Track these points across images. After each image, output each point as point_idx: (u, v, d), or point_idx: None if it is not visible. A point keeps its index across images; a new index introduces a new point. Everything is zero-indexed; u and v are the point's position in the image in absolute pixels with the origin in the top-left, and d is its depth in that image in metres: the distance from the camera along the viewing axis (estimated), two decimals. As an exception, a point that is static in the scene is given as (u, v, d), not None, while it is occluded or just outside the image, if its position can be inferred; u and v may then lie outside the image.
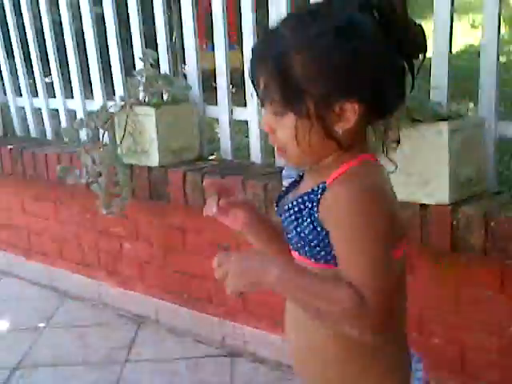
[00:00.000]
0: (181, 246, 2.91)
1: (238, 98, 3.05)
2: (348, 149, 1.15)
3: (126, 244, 3.16)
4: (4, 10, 3.72)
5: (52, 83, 3.66)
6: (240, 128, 3.27)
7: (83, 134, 3.16)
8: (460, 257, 2.04)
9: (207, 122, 3.16)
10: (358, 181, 1.12)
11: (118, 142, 2.85)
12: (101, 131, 2.89)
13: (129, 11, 3.10)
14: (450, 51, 2.21)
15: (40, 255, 3.65)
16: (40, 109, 3.76)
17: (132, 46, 3.15)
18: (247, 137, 2.93)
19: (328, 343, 1.17)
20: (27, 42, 3.70)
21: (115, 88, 3.29)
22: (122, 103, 2.86)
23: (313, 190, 1.14)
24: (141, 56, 2.94)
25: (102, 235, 3.27)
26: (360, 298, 1.02)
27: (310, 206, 1.14)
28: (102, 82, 3.36)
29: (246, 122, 2.87)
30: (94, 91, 3.40)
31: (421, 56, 1.17)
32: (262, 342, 2.70)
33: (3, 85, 3.95)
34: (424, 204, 2.01)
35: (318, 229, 1.13)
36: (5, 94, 3.95)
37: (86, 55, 3.40)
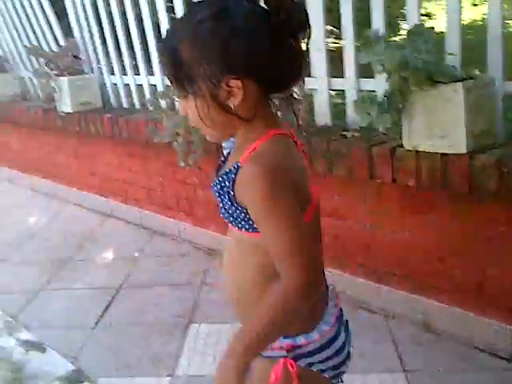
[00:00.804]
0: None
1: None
2: (254, 122, 1.07)
3: (200, 191, 3.18)
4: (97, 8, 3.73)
5: (137, 64, 3.65)
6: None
7: (163, 103, 3.15)
8: (476, 198, 1.97)
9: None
10: (262, 162, 1.02)
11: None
12: (177, 101, 2.89)
13: None
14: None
15: (133, 201, 3.72)
16: (128, 84, 3.78)
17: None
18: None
19: (256, 279, 1.10)
20: (116, 32, 3.70)
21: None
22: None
23: (230, 170, 1.06)
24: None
25: (180, 184, 3.30)
26: (290, 287, 0.97)
27: (227, 184, 1.05)
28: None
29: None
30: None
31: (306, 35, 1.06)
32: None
33: (100, 67, 3.98)
34: (445, 153, 1.95)
35: (236, 205, 1.05)
36: (102, 74, 3.97)
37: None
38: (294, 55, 1.07)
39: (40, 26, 4.35)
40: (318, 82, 2.59)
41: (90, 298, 2.79)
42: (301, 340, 1.11)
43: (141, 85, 3.66)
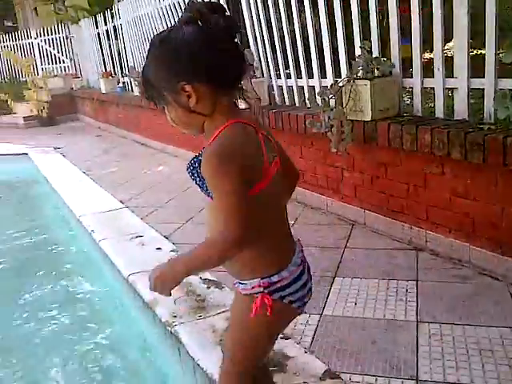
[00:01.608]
0: (383, 175, 2.91)
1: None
2: (215, 116, 1.15)
3: (346, 173, 3.22)
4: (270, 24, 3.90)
5: (296, 69, 3.78)
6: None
7: (319, 101, 3.25)
8: None
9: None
10: (213, 147, 1.11)
11: (344, 105, 2.90)
12: (331, 99, 2.97)
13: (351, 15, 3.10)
14: None
15: None
16: (291, 86, 3.91)
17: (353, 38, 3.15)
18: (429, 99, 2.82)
19: None
20: (283, 44, 3.84)
21: (341, 69, 3.32)
22: (347, 79, 2.90)
23: (199, 154, 1.17)
24: (360, 45, 2.95)
25: (329, 167, 3.36)
26: (215, 237, 1.12)
27: (197, 166, 1.16)
28: (332, 65, 3.41)
29: (432, 88, 2.76)
30: (326, 72, 3.47)
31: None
32: (439, 242, 2.64)
33: (269, 71, 4.16)
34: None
35: (203, 180, 1.15)
36: (270, 78, 4.15)
37: (322, 47, 3.46)
38: (230, 56, 1.13)
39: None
40: (459, 82, 2.55)
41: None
42: (275, 278, 1.22)
43: (301, 86, 3.78)
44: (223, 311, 2.25)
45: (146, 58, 1.19)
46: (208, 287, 2.50)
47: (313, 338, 2.03)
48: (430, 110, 2.91)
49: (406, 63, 2.97)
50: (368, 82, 2.77)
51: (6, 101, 10.06)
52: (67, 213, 4.12)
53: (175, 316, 2.24)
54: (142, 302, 2.45)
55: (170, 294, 1.22)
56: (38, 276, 3.35)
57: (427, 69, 2.85)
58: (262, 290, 1.22)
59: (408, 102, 3.33)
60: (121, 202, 4.15)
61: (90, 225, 3.53)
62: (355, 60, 2.89)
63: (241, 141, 1.14)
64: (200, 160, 1.14)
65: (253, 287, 1.23)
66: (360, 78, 2.84)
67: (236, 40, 1.15)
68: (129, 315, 2.65)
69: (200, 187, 1.19)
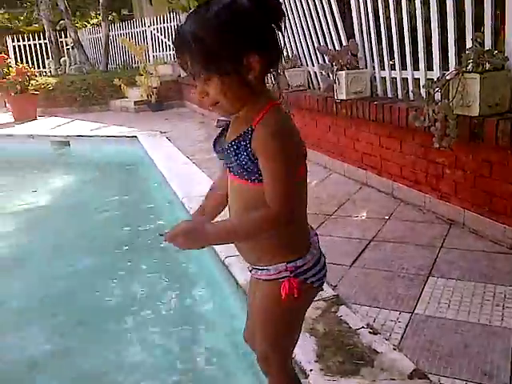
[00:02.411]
0: (488, 174, 2.77)
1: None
2: (259, 96, 1.17)
3: (447, 170, 3.11)
4: (377, 15, 3.83)
5: (400, 60, 3.68)
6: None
7: (423, 94, 3.15)
8: None
9: None
10: (272, 126, 1.13)
11: (451, 99, 2.81)
12: (437, 92, 2.88)
13: (465, 5, 2.96)
14: None
15: (387, 174, 3.75)
16: (395, 78, 3.83)
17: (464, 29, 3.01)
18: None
19: None
20: (389, 34, 3.76)
21: (449, 62, 3.19)
22: (456, 72, 2.80)
23: (245, 132, 1.16)
24: (471, 37, 2.82)
25: (430, 163, 3.26)
26: (273, 213, 1.14)
27: (244, 143, 1.16)
28: (440, 58, 3.29)
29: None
30: (433, 65, 3.35)
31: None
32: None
33: (372, 62, 4.10)
34: None
35: (252, 158, 1.15)
36: (373, 69, 4.09)
37: (430, 39, 3.35)
38: (276, 36, 1.15)
39: (328, 28, 4.63)
40: None
41: (348, 244, 2.94)
42: (300, 262, 1.27)
43: (405, 78, 3.69)
44: (315, 300, 2.21)
45: (202, 18, 1.12)
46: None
47: (402, 336, 2.02)
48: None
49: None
50: (478, 76, 2.65)
51: (120, 86, 10.75)
52: (171, 194, 4.36)
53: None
54: (236, 284, 2.58)
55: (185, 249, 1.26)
56: (141, 247, 3.65)
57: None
58: (288, 274, 1.27)
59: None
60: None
61: (191, 207, 3.72)
62: (465, 52, 2.77)
63: (291, 124, 1.20)
64: (249, 137, 1.15)
65: (279, 272, 1.28)
66: (469, 72, 2.72)
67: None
68: (222, 295, 2.80)
69: (242, 167, 1.18)
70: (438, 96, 2.91)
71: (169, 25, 12.45)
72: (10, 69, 11.33)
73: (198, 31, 1.10)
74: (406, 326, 2.09)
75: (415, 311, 2.20)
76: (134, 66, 13.42)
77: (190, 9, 10.91)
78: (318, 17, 4.73)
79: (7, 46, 14.97)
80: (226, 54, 1.10)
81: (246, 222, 1.20)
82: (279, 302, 1.29)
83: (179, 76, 10.94)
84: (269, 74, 1.21)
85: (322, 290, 1.40)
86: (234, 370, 2.23)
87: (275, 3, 1.14)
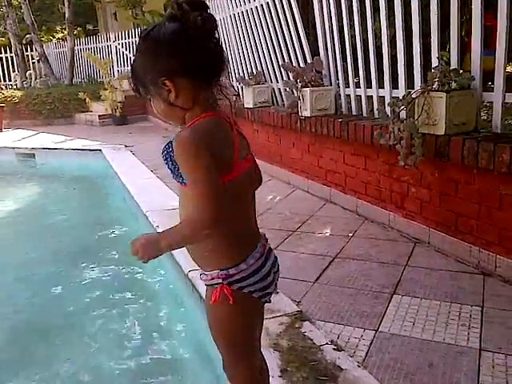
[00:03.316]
0: (453, 193, 2.74)
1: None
2: (194, 109, 1.21)
3: (412, 188, 3.07)
4: (341, 33, 3.83)
5: (365, 78, 3.67)
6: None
7: (388, 112, 3.13)
8: None
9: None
10: (185, 131, 1.17)
11: (416, 117, 2.78)
12: (402, 110, 2.85)
13: (431, 25, 2.96)
14: None
15: (351, 191, 3.72)
16: (360, 95, 3.81)
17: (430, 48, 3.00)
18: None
19: None
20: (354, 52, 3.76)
21: (414, 80, 3.18)
22: (421, 90, 2.77)
23: (171, 141, 1.19)
24: (437, 56, 2.81)
25: (395, 181, 3.22)
26: (190, 216, 1.17)
27: (169, 151, 1.19)
28: (406, 76, 3.28)
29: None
30: (398, 83, 3.34)
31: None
32: (511, 268, 2.44)
33: (337, 79, 4.08)
34: None
35: (175, 164, 1.18)
36: (338, 86, 4.07)
37: (395, 58, 3.34)
38: (208, 53, 1.18)
39: (293, 45, 4.61)
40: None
41: (312, 260, 2.86)
42: (232, 271, 1.28)
43: (370, 96, 3.68)
44: (278, 316, 2.22)
45: (135, 51, 1.26)
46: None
47: (367, 353, 1.95)
48: (509, 126, 2.73)
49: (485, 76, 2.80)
50: (444, 95, 2.63)
51: (85, 99, 10.55)
52: (135, 207, 4.23)
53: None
54: (200, 297, 2.43)
55: (147, 262, 1.27)
56: (103, 260, 3.55)
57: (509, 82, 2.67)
58: (220, 281, 1.29)
59: (485, 118, 3.14)
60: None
61: (155, 220, 3.59)
62: (431, 71, 2.76)
63: (212, 130, 1.20)
64: (171, 146, 1.19)
65: (212, 278, 1.30)
66: (435, 90, 2.70)
67: (215, 37, 1.20)
68: (188, 311, 2.66)
69: (171, 172, 1.23)
70: (403, 114, 2.89)
71: (133, 40, 12.33)
72: (-24, 82, 11.10)
73: (133, 58, 1.25)
74: (371, 344, 2.01)
75: (380, 329, 2.12)
76: (98, 80, 13.21)
77: (157, 25, 10.88)
78: (283, 33, 4.72)
79: (-27, 60, 14.64)
80: (146, 79, 1.21)
81: (179, 226, 1.21)
82: (216, 308, 1.32)
83: (144, 91, 10.79)
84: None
85: (269, 301, 1.39)
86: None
87: (201, 24, 1.16)
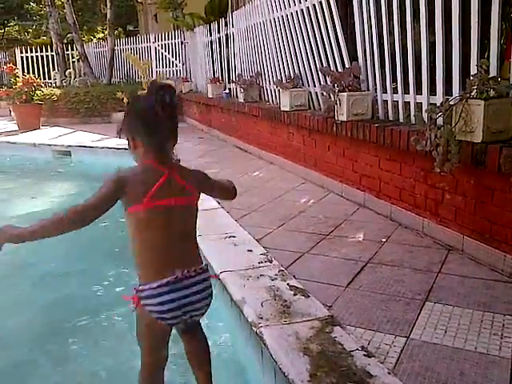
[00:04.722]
0: (489, 201, 2.73)
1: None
2: (142, 156, 1.64)
3: (447, 195, 3.06)
4: (381, 38, 3.84)
5: (407, 84, 3.67)
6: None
7: (425, 118, 3.13)
8: None
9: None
10: (115, 171, 1.60)
11: (453, 124, 2.78)
12: (440, 117, 2.85)
13: (471, 32, 2.96)
14: None
15: (386, 196, 3.72)
16: (397, 101, 3.82)
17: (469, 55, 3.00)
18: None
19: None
20: (393, 58, 3.76)
21: (452, 87, 3.18)
22: (460, 97, 2.78)
23: None
24: (477, 64, 2.81)
25: (429, 188, 3.22)
26: (63, 217, 1.52)
27: None
28: (443, 83, 3.28)
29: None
30: (436, 89, 3.34)
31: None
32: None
33: (375, 85, 4.10)
34: None
35: None
36: (375, 91, 4.09)
37: (434, 64, 3.34)
38: (160, 126, 1.59)
39: (332, 50, 4.65)
40: None
41: (344, 265, 2.88)
42: (141, 287, 1.62)
43: (407, 102, 3.68)
44: (308, 320, 2.24)
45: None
46: (295, 294, 2.50)
47: (397, 360, 1.96)
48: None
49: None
50: (482, 103, 2.62)
51: (122, 99, 10.80)
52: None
53: (261, 318, 2.26)
54: (230, 300, 2.51)
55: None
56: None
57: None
58: (135, 292, 1.63)
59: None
60: (217, 202, 4.28)
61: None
62: (469, 78, 2.76)
63: (136, 172, 1.64)
64: None
65: (134, 288, 1.65)
66: (474, 98, 2.70)
67: (172, 114, 1.62)
68: (216, 310, 2.72)
69: None
70: (439, 121, 2.89)
71: (173, 41, 12.54)
72: (17, 79, 11.47)
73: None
74: (401, 351, 2.02)
75: (411, 336, 2.13)
76: (136, 80, 13.49)
77: (195, 26, 11.02)
78: (322, 38, 4.75)
79: (15, 57, 15.15)
80: (123, 130, 1.66)
81: (43, 224, 1.52)
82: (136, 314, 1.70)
83: (181, 91, 10.99)
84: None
85: (169, 325, 1.70)
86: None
87: (145, 109, 1.60)
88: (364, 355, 1.98)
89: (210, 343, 1.97)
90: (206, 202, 4.18)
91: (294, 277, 2.70)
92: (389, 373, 1.87)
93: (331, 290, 2.57)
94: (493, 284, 2.57)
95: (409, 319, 2.26)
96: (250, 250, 3.11)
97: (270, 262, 2.92)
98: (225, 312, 2.58)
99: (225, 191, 1.95)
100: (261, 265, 2.87)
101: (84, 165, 7.43)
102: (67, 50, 15.11)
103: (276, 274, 2.73)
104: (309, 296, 2.48)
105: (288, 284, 2.60)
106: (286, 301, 2.43)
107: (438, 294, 2.49)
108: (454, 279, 2.65)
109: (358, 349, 2.02)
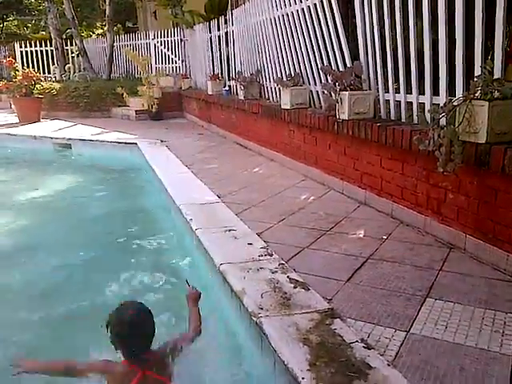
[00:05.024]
0: (492, 201, 2.74)
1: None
2: (122, 356, 2.03)
3: (450, 194, 3.07)
4: (383, 37, 3.85)
5: (409, 84, 3.68)
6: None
7: (428, 118, 3.14)
8: None
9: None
10: None
11: (457, 125, 2.79)
12: (443, 117, 2.87)
13: (475, 33, 2.97)
14: None
15: (387, 194, 3.73)
16: (399, 101, 3.83)
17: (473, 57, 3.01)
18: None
19: None
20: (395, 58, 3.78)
21: (456, 88, 3.19)
22: (463, 98, 2.79)
23: None
24: (481, 65, 2.83)
25: (432, 187, 3.23)
26: None
27: None
28: (447, 83, 3.29)
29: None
30: (439, 90, 3.35)
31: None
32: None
33: (377, 84, 4.11)
34: None
35: None
36: (377, 91, 4.10)
37: (437, 64, 3.35)
38: (130, 341, 1.96)
39: (333, 49, 4.65)
40: None
41: (344, 260, 2.89)
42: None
43: (410, 102, 3.70)
44: (308, 312, 2.26)
45: None
46: (295, 287, 2.51)
47: (397, 353, 1.98)
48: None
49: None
50: (486, 104, 2.64)
51: (122, 94, 10.81)
52: (168, 200, 4.33)
53: (261, 308, 2.27)
54: (231, 291, 2.51)
55: None
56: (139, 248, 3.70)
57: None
58: None
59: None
60: (218, 196, 4.29)
61: (188, 213, 3.69)
62: (473, 79, 2.77)
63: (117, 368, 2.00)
64: None
65: None
66: (478, 99, 2.71)
67: (137, 329, 1.94)
68: (217, 301, 2.73)
69: None
70: (442, 121, 2.90)
71: (172, 39, 12.55)
72: (17, 72, 11.52)
73: None
74: (401, 344, 2.04)
75: (411, 330, 2.14)
76: (136, 76, 13.50)
77: (195, 24, 11.02)
78: (323, 37, 4.76)
79: (15, 52, 15.17)
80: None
81: None
82: None
83: (180, 88, 11.02)
84: None
85: None
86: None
87: (114, 326, 1.96)
88: (364, 347, 1.99)
89: (209, 333, 2.03)
90: (206, 196, 4.20)
91: (294, 270, 2.71)
92: (388, 365, 1.89)
93: (331, 284, 2.58)
94: (495, 282, 2.58)
95: (409, 314, 2.27)
96: (251, 244, 3.11)
97: (271, 255, 2.93)
98: (225, 302, 2.59)
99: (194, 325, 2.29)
100: (261, 258, 2.88)
101: (84, 157, 7.50)
102: (66, 45, 15.13)
103: (276, 267, 2.74)
104: (309, 289, 2.49)
105: (288, 277, 2.61)
106: (285, 293, 2.44)
107: (439, 290, 2.50)
108: (456, 277, 2.66)
109: (357, 341, 2.04)
